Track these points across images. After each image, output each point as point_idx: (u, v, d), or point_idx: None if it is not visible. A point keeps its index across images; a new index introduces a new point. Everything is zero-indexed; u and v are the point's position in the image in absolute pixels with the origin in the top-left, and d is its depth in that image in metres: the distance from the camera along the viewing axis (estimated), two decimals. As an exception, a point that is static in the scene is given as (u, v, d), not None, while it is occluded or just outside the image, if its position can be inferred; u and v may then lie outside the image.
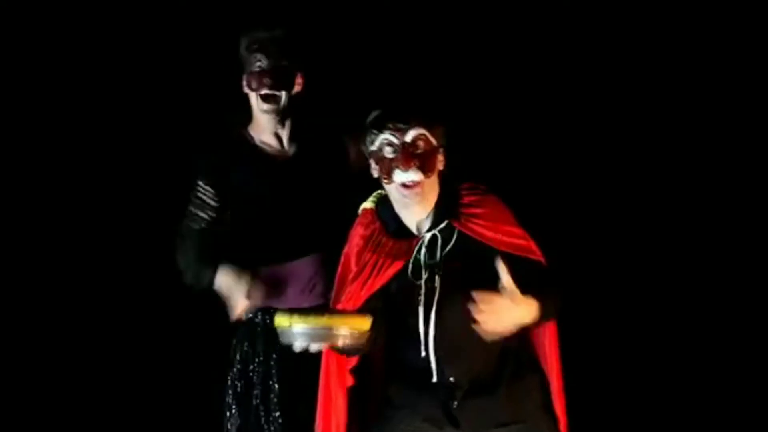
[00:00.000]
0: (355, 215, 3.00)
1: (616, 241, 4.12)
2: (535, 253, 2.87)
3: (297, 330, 2.61)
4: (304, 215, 3.39)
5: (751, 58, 4.05)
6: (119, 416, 4.20)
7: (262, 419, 3.39)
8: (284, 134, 3.44)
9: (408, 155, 2.75)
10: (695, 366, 4.09)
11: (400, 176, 2.77)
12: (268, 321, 3.39)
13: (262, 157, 3.42)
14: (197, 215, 3.42)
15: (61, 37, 4.14)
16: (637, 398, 4.10)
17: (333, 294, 2.96)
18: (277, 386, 3.38)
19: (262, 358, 3.41)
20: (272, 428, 3.38)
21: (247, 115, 3.46)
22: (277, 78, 3.36)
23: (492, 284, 2.67)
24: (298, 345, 2.63)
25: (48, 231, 4.21)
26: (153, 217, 4.10)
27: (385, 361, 2.93)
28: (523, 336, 2.89)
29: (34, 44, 4.14)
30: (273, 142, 3.45)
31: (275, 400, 3.38)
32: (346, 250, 2.94)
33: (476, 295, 2.56)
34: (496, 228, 2.84)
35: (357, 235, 2.92)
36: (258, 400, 3.40)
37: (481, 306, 2.56)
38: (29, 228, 4.19)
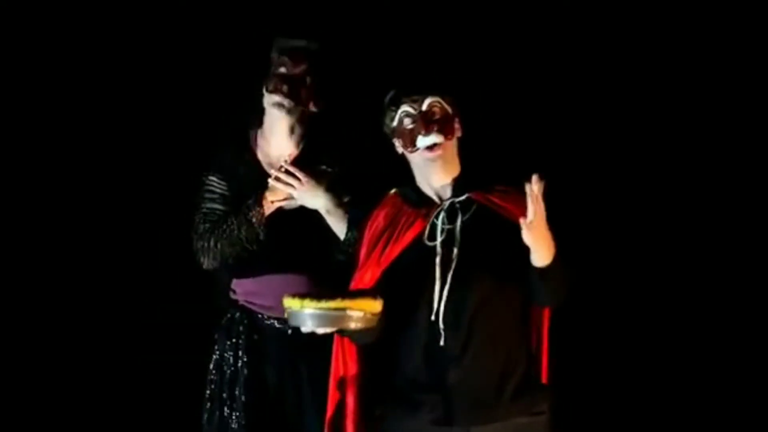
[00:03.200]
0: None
1: (611, 245, 4.12)
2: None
3: (308, 312, 2.60)
4: (290, 232, 3.38)
5: (751, 58, 4.06)
6: (108, 414, 4.18)
7: (229, 417, 3.41)
8: (288, 147, 3.41)
9: (427, 121, 2.88)
10: (691, 372, 4.08)
11: (422, 141, 2.88)
12: (246, 321, 3.43)
13: (260, 166, 3.41)
14: (212, 209, 3.41)
15: (74, 39, 4.15)
16: (632, 406, 4.08)
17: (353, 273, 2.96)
18: (242, 389, 3.39)
19: (233, 358, 3.42)
20: (235, 426, 3.39)
21: (259, 119, 3.46)
22: (294, 88, 3.34)
23: (506, 260, 2.77)
24: (308, 327, 2.64)
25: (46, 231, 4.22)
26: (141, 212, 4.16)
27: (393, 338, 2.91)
28: (530, 353, 2.93)
29: (43, 49, 4.16)
30: (274, 152, 3.42)
31: (242, 399, 3.39)
32: (366, 231, 2.98)
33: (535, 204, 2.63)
34: (516, 203, 2.85)
35: (379, 213, 2.99)
36: (226, 397, 3.42)
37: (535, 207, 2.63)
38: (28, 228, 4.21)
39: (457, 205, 2.89)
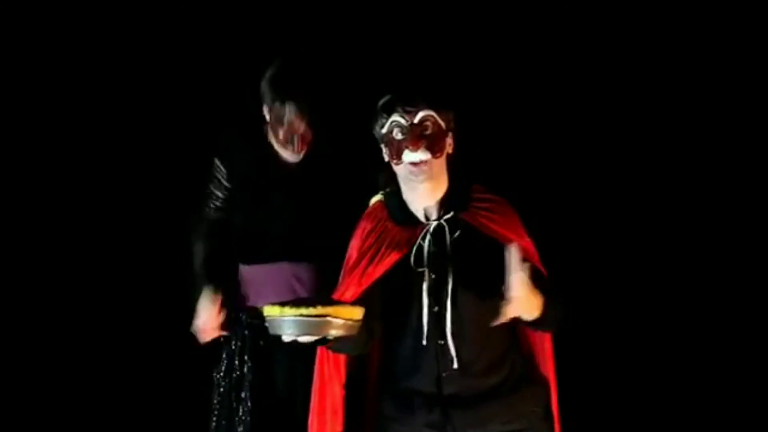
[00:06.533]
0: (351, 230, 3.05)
1: (611, 248, 4.12)
2: (540, 264, 2.85)
3: (287, 319, 2.57)
4: (298, 220, 3.40)
5: (751, 58, 4.05)
6: (112, 415, 4.21)
7: (237, 422, 3.44)
8: (296, 138, 3.41)
9: (416, 136, 2.77)
10: (693, 374, 4.10)
11: (408, 156, 2.77)
12: (250, 321, 3.44)
13: (271, 153, 3.43)
14: (213, 193, 3.47)
15: (74, 39, 4.18)
16: (633, 406, 4.10)
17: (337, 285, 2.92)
18: (249, 393, 3.43)
19: (240, 362, 3.45)
20: (242, 430, 3.43)
21: None
22: (301, 138, 3.36)
23: (496, 279, 2.64)
24: (288, 335, 2.60)
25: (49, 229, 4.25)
26: (150, 214, 4.18)
27: (381, 354, 2.92)
28: (523, 344, 2.92)
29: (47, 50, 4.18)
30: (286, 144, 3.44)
31: (247, 404, 3.42)
32: (351, 242, 2.92)
33: (515, 276, 2.58)
34: (505, 225, 2.83)
35: (363, 225, 2.92)
36: (233, 400, 3.45)
37: (516, 290, 2.58)
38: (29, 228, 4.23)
39: (445, 226, 2.82)
